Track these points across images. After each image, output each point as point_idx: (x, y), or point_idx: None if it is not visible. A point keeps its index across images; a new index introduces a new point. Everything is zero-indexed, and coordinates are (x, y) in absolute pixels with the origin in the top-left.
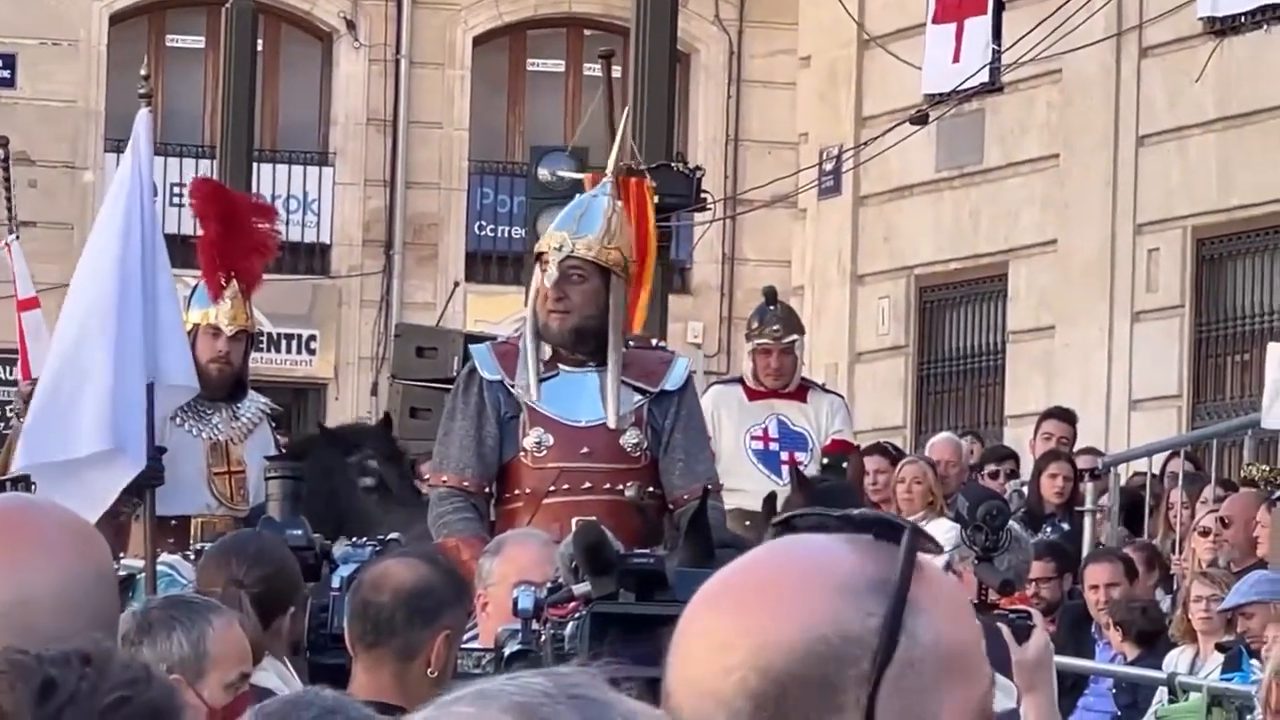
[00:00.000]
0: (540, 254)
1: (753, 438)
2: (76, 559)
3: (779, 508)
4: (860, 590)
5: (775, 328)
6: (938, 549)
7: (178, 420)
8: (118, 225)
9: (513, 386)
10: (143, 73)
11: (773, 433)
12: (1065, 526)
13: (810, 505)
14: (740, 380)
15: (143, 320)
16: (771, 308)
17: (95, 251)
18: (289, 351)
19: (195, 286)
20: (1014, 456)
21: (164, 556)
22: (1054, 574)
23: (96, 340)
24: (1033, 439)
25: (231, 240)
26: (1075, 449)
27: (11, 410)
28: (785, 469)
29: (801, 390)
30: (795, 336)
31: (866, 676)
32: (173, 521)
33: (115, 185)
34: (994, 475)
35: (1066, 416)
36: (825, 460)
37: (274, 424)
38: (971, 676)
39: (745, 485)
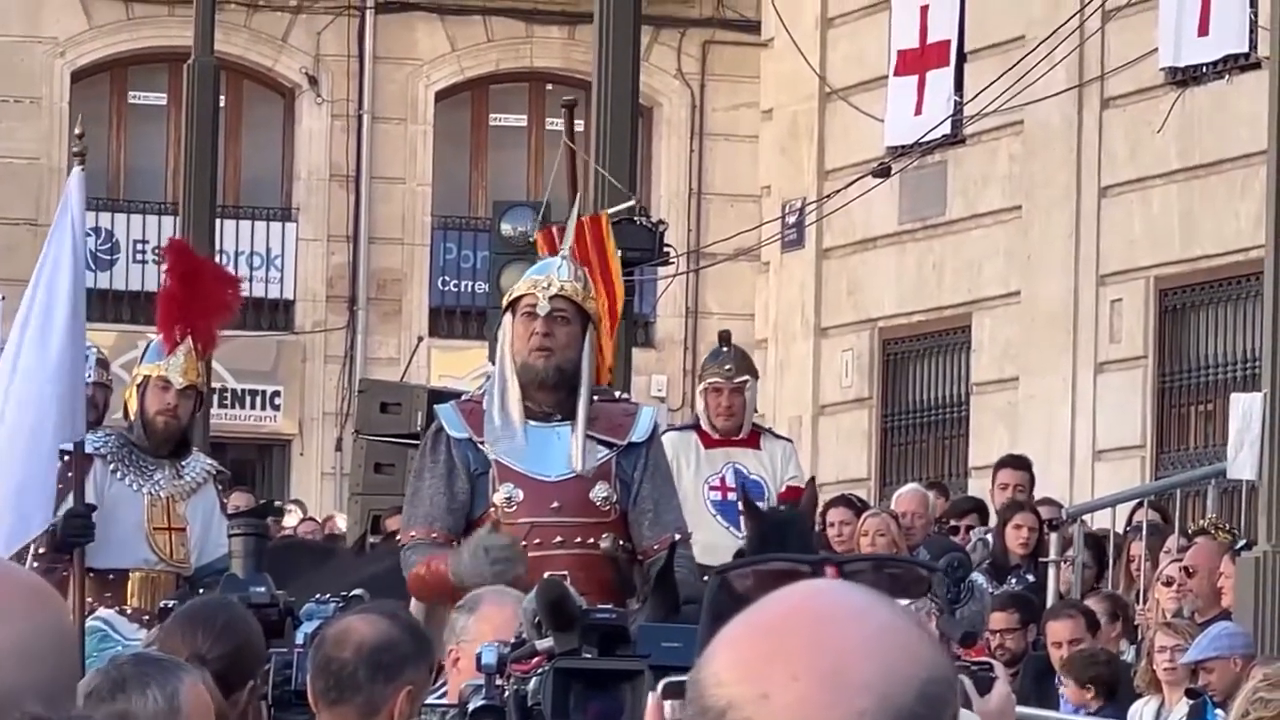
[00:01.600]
0: (517, 299)
1: (711, 488)
2: (34, 616)
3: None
4: (934, 638)
5: (727, 367)
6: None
7: (118, 474)
8: (54, 285)
9: (480, 443)
10: (77, 131)
11: (730, 481)
12: (1030, 578)
13: (764, 539)
14: (695, 426)
15: (67, 380)
16: (725, 349)
17: (30, 309)
18: (253, 407)
19: (150, 341)
20: (979, 508)
21: (100, 611)
22: (1018, 625)
23: (18, 399)
24: (991, 489)
25: (192, 298)
26: (1037, 499)
27: None
28: (743, 519)
29: (754, 436)
30: (747, 377)
31: (954, 715)
32: (110, 575)
33: (52, 245)
34: (955, 530)
35: (1020, 464)
36: (781, 508)
37: (220, 486)
38: None
39: (703, 538)
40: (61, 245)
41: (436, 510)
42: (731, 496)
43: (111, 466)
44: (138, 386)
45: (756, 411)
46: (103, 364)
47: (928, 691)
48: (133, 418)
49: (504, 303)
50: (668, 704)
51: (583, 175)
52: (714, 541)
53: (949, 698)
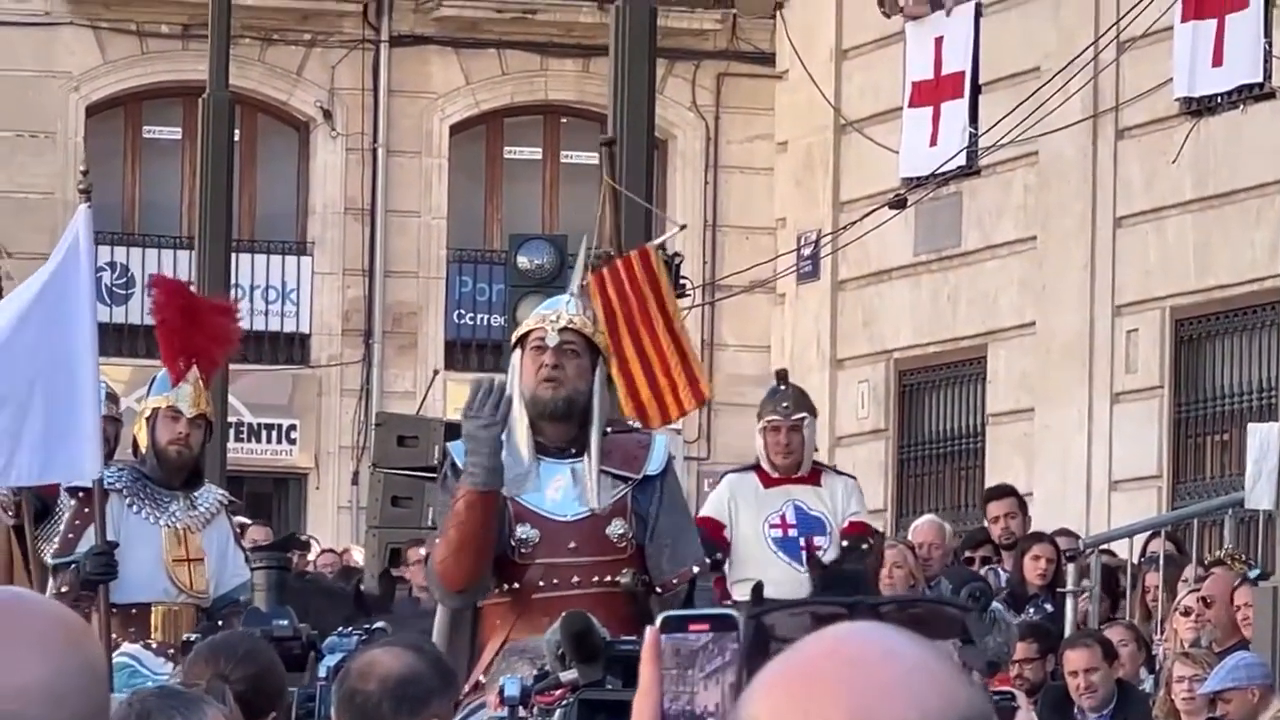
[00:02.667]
0: (525, 334)
1: (771, 526)
2: (66, 651)
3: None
4: (969, 678)
5: (785, 405)
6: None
7: (134, 508)
8: (68, 322)
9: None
10: (82, 168)
11: (790, 519)
12: (1048, 607)
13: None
14: (755, 466)
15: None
16: (782, 387)
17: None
18: (269, 441)
19: (155, 376)
20: (993, 541)
21: (124, 646)
22: (1037, 655)
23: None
24: (983, 523)
25: (192, 329)
26: (1054, 530)
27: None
28: (805, 555)
29: (815, 474)
30: (805, 415)
31: None
32: (132, 610)
33: (56, 278)
34: (970, 561)
35: (1003, 493)
36: (844, 543)
37: (232, 515)
38: None
39: (767, 574)
40: (70, 281)
41: None
42: (793, 533)
43: (128, 501)
44: (147, 419)
45: (815, 449)
46: (112, 398)
47: None
48: (144, 451)
49: (513, 339)
50: (664, 638)
51: (608, 208)
52: (777, 578)
53: None
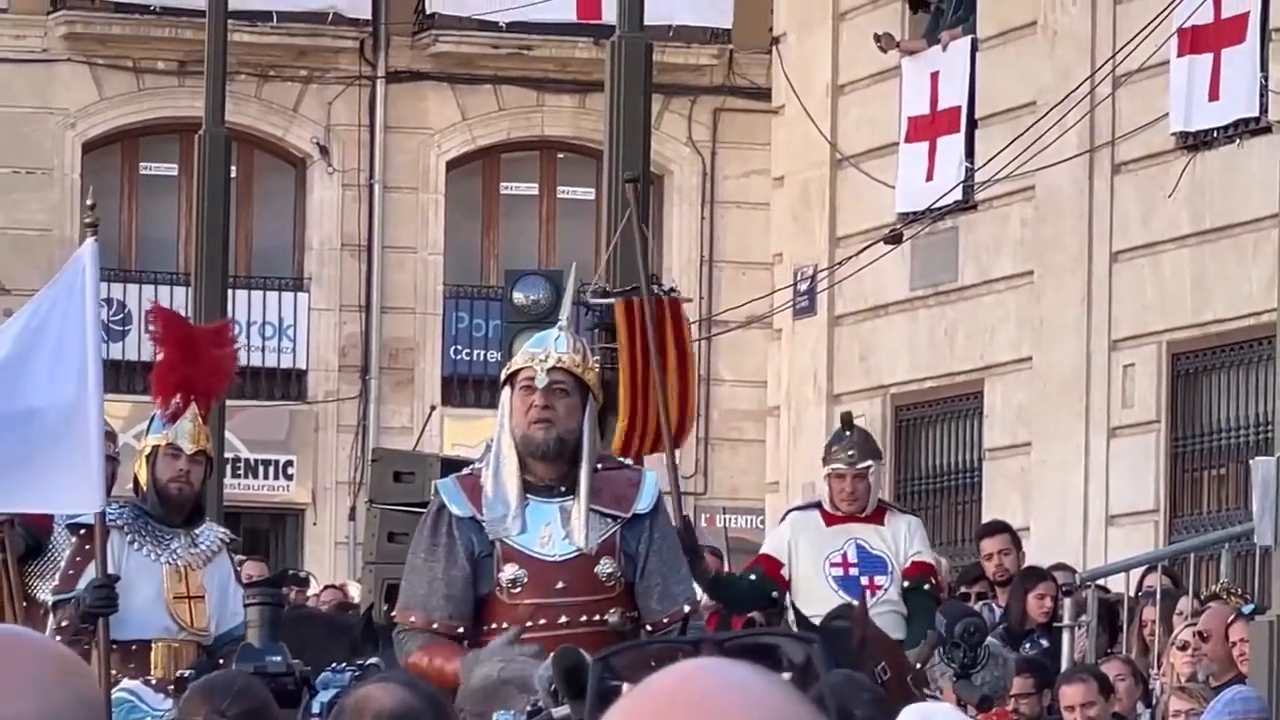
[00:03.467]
0: (513, 374)
1: (832, 564)
2: (59, 687)
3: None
4: (816, 712)
5: (850, 453)
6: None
7: (135, 545)
8: (69, 357)
9: (484, 522)
10: (89, 202)
11: (852, 558)
12: (1044, 643)
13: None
14: (818, 505)
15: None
16: (848, 433)
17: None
18: (266, 477)
19: (155, 413)
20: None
21: (124, 682)
22: (1033, 690)
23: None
24: (978, 558)
25: (189, 363)
26: (1050, 565)
27: None
28: (866, 594)
29: (879, 512)
30: (870, 462)
31: None
32: (133, 646)
33: (58, 311)
34: (966, 598)
35: (997, 528)
36: (906, 583)
37: (233, 553)
38: None
39: (825, 611)
40: (75, 314)
41: (435, 598)
42: (854, 571)
43: (129, 538)
44: (147, 457)
45: (878, 488)
46: (110, 436)
47: None
48: (144, 489)
49: (502, 376)
50: None
51: (612, 248)
52: None
53: None
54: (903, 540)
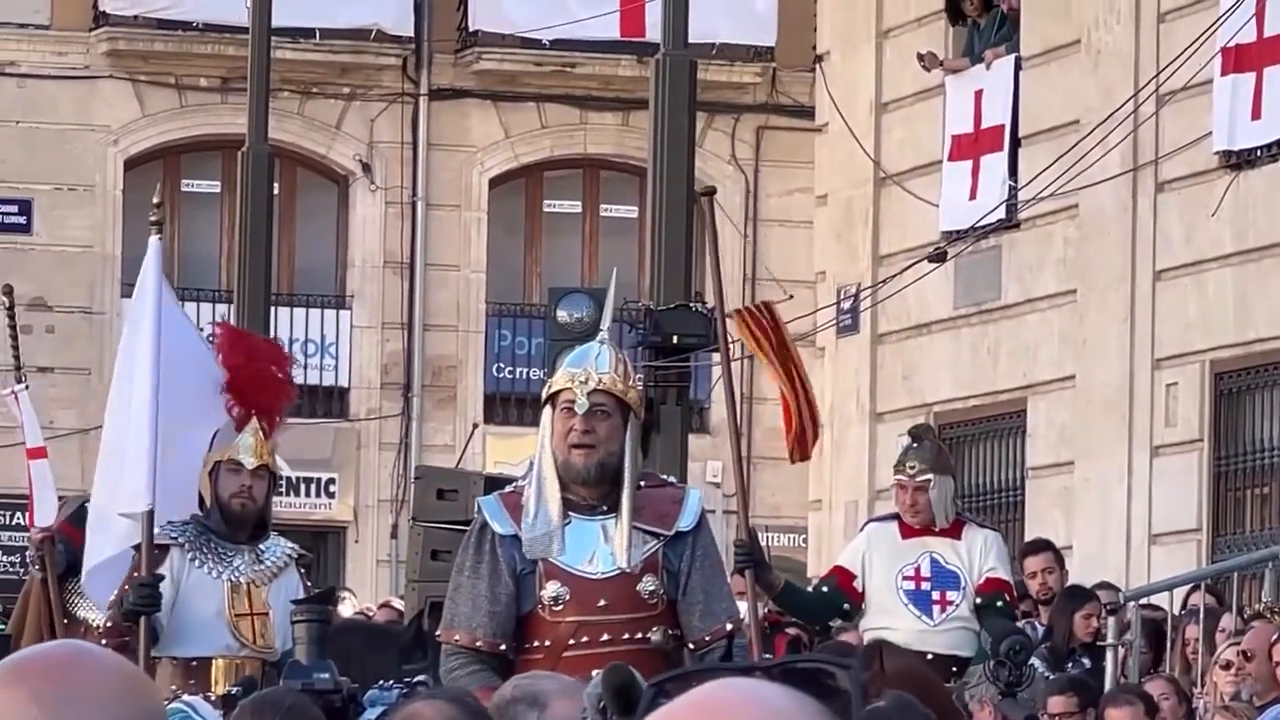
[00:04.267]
0: (555, 394)
1: (904, 578)
2: (127, 704)
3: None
4: None
5: (912, 465)
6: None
7: (196, 562)
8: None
9: (525, 540)
10: (155, 200)
11: (925, 572)
12: (1086, 662)
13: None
14: (896, 517)
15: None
16: (914, 445)
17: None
18: (308, 495)
19: (216, 431)
20: (1031, 596)
21: (184, 696)
22: (1076, 709)
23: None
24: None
25: (253, 380)
26: (1094, 584)
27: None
28: (936, 609)
29: (957, 526)
30: (930, 476)
31: None
32: (193, 663)
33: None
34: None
35: (1041, 547)
36: (979, 600)
37: (302, 569)
38: None
39: (894, 624)
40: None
41: (479, 615)
42: (926, 586)
43: (190, 555)
44: (209, 473)
45: (959, 500)
46: None
47: None
48: (208, 505)
49: (543, 395)
50: None
51: (649, 262)
52: (904, 627)
53: None
54: (978, 555)
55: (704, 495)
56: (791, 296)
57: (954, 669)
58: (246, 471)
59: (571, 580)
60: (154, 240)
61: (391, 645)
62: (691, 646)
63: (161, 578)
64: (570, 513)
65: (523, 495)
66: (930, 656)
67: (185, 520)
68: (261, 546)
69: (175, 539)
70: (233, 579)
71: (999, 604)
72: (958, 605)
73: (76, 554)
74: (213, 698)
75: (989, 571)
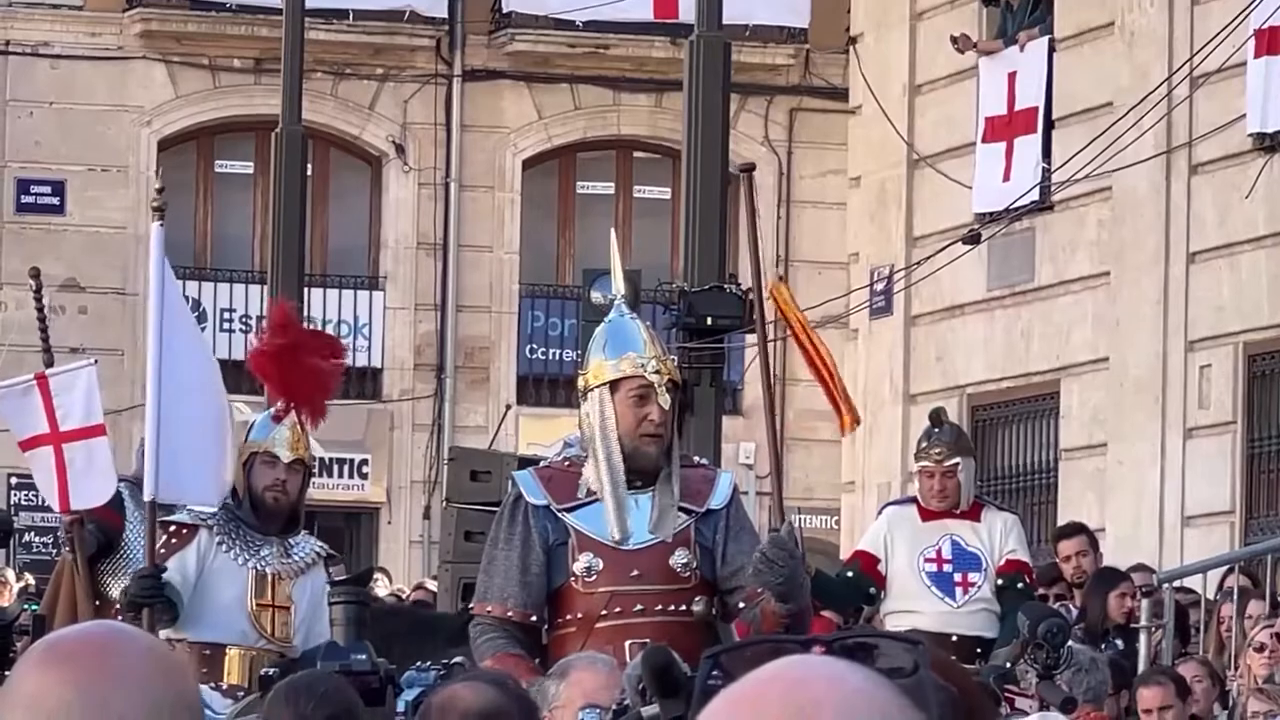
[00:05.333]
0: (619, 380)
1: (926, 560)
2: (162, 686)
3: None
4: (911, 707)
5: (938, 450)
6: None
7: (224, 547)
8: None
9: (559, 511)
10: (156, 185)
11: (946, 554)
12: (1119, 644)
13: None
14: (915, 500)
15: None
16: (937, 430)
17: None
18: (341, 476)
19: (255, 419)
20: (1065, 579)
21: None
22: (1110, 691)
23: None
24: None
25: (297, 370)
26: (1129, 567)
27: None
28: (959, 590)
29: (976, 509)
30: (958, 459)
31: None
32: (206, 650)
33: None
34: (1044, 598)
35: (1075, 530)
36: (1000, 581)
37: (330, 569)
38: None
39: (918, 607)
40: (176, 306)
41: (511, 586)
42: (947, 568)
43: (218, 539)
44: (244, 464)
45: (978, 484)
46: None
47: None
48: (240, 495)
49: (597, 377)
50: None
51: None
52: (927, 611)
53: None
54: (998, 537)
55: (737, 477)
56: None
57: (978, 650)
58: (282, 465)
59: (604, 551)
60: (155, 226)
61: (438, 631)
62: (742, 605)
63: (164, 569)
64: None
65: (562, 469)
66: (955, 638)
67: (214, 508)
68: (291, 540)
69: (205, 520)
70: (259, 568)
71: (1019, 585)
72: (980, 587)
73: (108, 534)
74: (223, 686)
75: (1009, 553)
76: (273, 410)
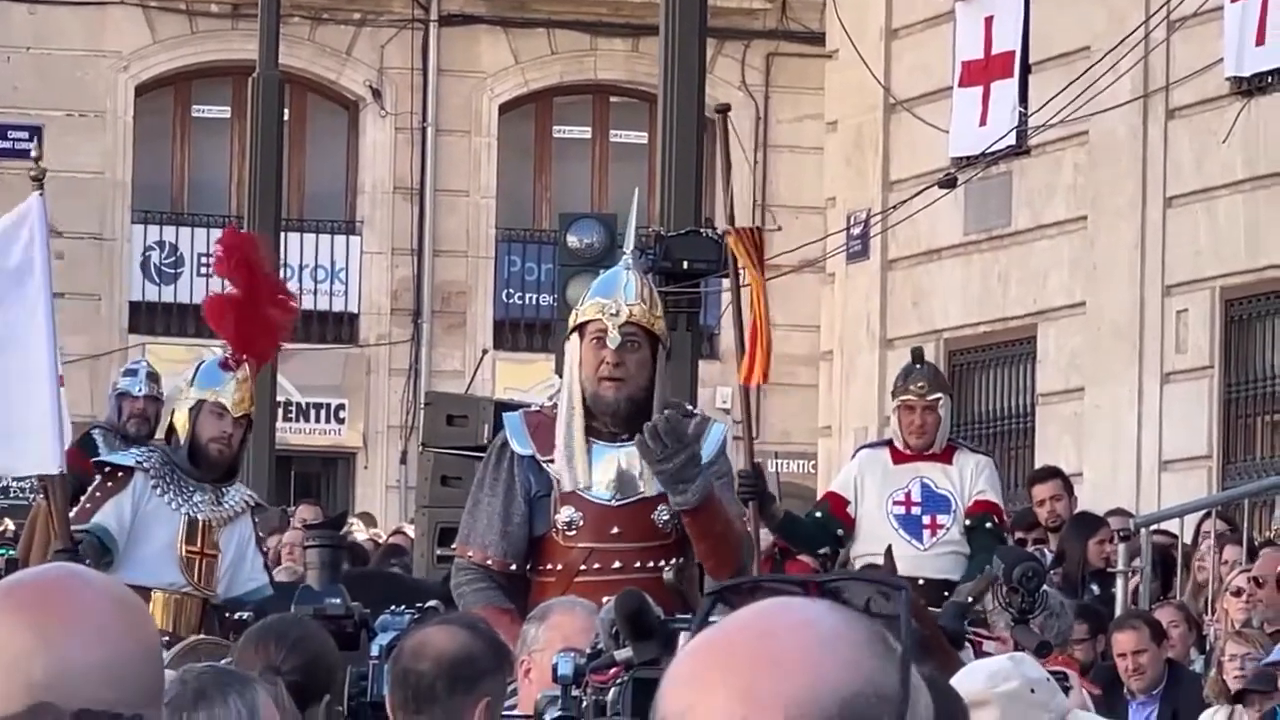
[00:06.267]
0: (584, 324)
1: (895, 503)
2: (121, 630)
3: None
4: (884, 649)
5: (920, 385)
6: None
7: (159, 490)
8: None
9: (545, 462)
10: (33, 154)
11: (915, 496)
12: (1095, 589)
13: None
14: (889, 442)
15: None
16: (918, 366)
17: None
18: (318, 421)
19: (202, 363)
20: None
21: None
22: (1087, 636)
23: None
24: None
25: (251, 322)
26: (1106, 511)
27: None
28: (926, 533)
29: (948, 451)
30: (940, 395)
31: None
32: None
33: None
34: (1021, 543)
35: (1049, 474)
36: (968, 521)
37: (256, 519)
38: None
39: (882, 549)
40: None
41: (491, 534)
42: (915, 510)
43: (153, 482)
44: (190, 410)
45: (954, 428)
46: (153, 377)
47: (853, 706)
48: (181, 440)
49: (570, 322)
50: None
51: (659, 187)
52: (897, 552)
53: (881, 713)
54: (969, 479)
55: (724, 424)
56: (780, 228)
57: (945, 594)
58: (230, 418)
59: (586, 506)
60: (35, 197)
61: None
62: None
63: (79, 543)
64: (592, 439)
65: (549, 415)
66: (922, 582)
67: (151, 448)
68: (224, 489)
69: (140, 463)
70: (191, 514)
71: (988, 525)
72: (948, 529)
73: (80, 479)
74: None
75: (979, 494)
76: (221, 356)
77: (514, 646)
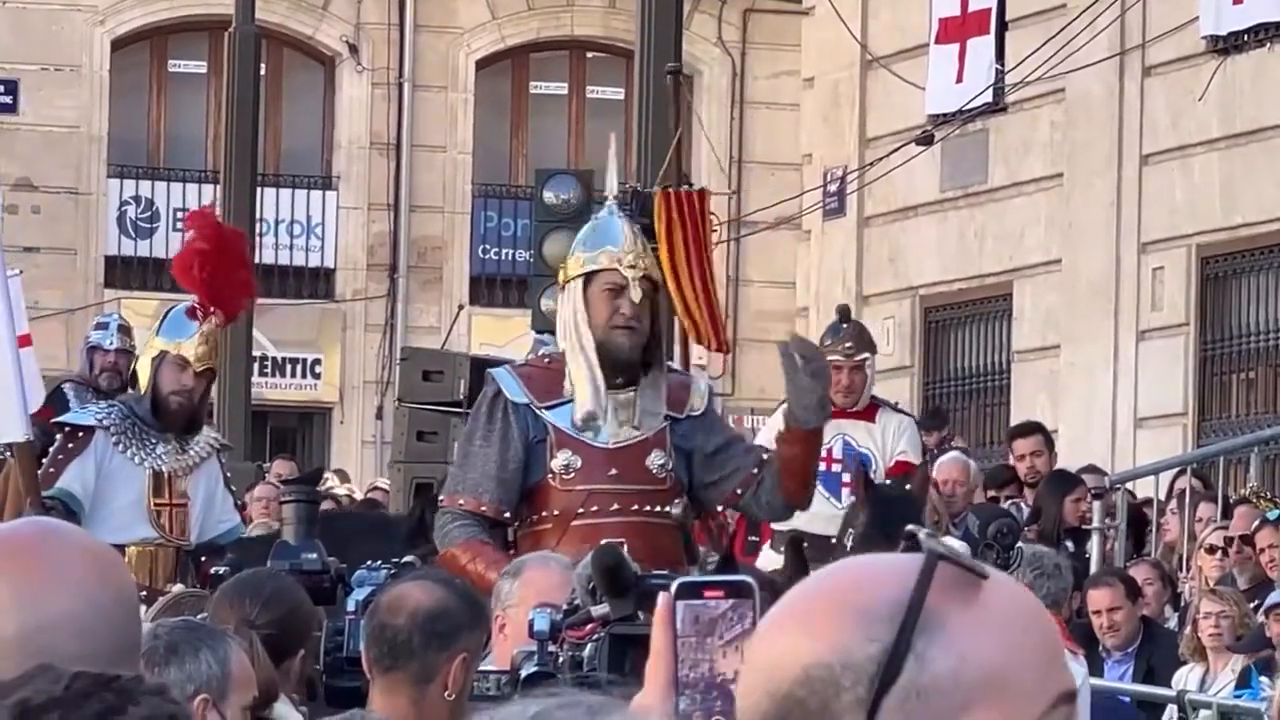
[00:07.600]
0: (595, 272)
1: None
2: (96, 583)
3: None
4: (877, 615)
5: (848, 344)
6: (976, 570)
7: (120, 446)
8: None
9: (540, 409)
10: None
11: (836, 454)
12: (1070, 545)
13: (871, 514)
14: None
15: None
16: (844, 325)
17: None
18: (294, 376)
19: (169, 311)
20: (1018, 479)
21: None
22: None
23: None
24: (1006, 460)
25: (223, 280)
26: (1080, 468)
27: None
28: (845, 491)
29: (871, 409)
30: (866, 354)
31: (863, 703)
32: None
33: None
34: (995, 499)
35: (1031, 429)
36: (887, 482)
37: (222, 459)
38: (1010, 700)
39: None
40: None
41: (487, 481)
42: (836, 468)
43: (114, 439)
44: (153, 359)
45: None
46: (124, 330)
47: (811, 674)
48: (142, 391)
49: (575, 272)
50: (681, 604)
51: (635, 144)
52: (815, 510)
53: (841, 681)
54: (891, 438)
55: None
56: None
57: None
58: (191, 372)
59: (583, 449)
60: None
61: (392, 534)
62: (740, 490)
63: (50, 509)
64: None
65: (539, 367)
66: (835, 541)
67: (110, 404)
68: (187, 440)
69: (100, 421)
70: (155, 467)
71: (906, 486)
72: None
73: (49, 434)
74: None
75: (899, 454)
76: (186, 306)
77: (497, 576)
